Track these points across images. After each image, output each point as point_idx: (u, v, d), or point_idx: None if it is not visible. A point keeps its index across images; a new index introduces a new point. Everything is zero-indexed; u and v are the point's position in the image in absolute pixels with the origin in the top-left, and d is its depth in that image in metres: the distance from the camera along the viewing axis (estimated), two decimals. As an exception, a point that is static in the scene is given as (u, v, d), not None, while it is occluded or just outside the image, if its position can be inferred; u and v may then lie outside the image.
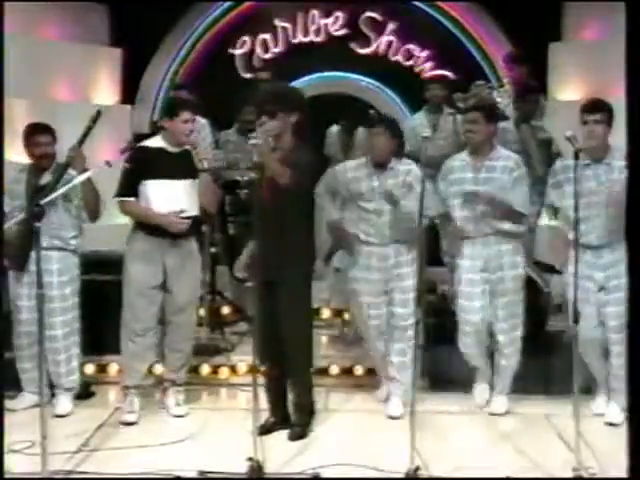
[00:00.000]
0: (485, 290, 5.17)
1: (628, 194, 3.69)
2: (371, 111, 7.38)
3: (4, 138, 4.95)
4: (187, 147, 5.15)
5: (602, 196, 4.81)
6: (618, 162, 4.84)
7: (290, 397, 4.96)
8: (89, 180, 4.92)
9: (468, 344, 5.27)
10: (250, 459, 4.13)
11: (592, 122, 4.79)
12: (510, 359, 5.25)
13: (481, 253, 5.16)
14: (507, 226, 5.14)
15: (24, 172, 5.29)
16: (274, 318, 4.74)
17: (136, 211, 5.13)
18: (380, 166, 5.17)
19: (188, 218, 5.07)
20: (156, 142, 5.16)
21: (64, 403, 5.26)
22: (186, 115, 5.09)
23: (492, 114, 5.34)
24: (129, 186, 5.08)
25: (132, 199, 5.09)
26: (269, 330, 4.73)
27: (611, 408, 5.06)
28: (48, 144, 5.20)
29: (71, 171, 5.06)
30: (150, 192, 5.05)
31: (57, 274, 5.16)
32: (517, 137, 6.32)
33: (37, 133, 5.21)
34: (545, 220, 5.83)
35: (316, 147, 6.67)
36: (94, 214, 5.23)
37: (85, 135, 5.03)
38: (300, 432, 4.83)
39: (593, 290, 4.92)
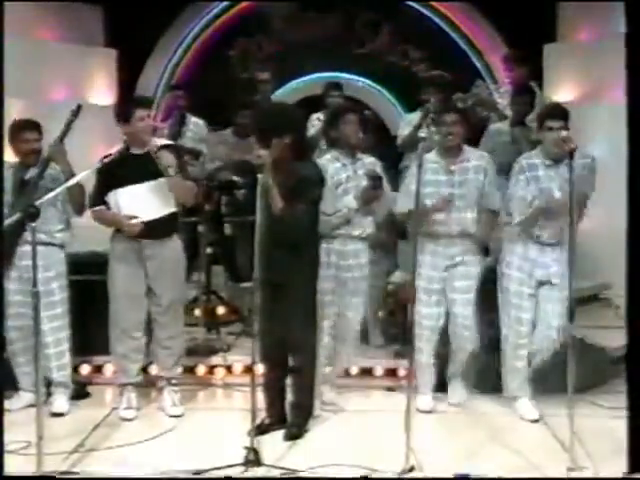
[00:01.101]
0: (443, 288, 5.25)
1: (628, 194, 3.69)
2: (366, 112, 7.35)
3: (4, 138, 4.96)
4: (155, 144, 5.14)
5: (562, 194, 4.87)
6: (577, 161, 4.85)
7: (289, 397, 4.97)
8: (72, 173, 4.92)
9: (423, 339, 5.28)
10: (247, 448, 4.16)
11: (560, 128, 4.85)
12: (468, 350, 5.34)
13: (445, 252, 5.21)
14: (473, 229, 5.21)
15: (11, 169, 5.27)
16: (278, 319, 4.76)
17: (103, 217, 5.17)
18: (351, 156, 5.20)
19: (159, 219, 5.07)
20: (120, 147, 5.16)
21: (60, 402, 5.26)
22: (140, 113, 5.07)
23: (467, 116, 5.41)
24: (97, 196, 5.13)
25: (100, 207, 5.14)
26: (272, 331, 4.76)
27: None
28: (35, 141, 5.20)
29: (55, 166, 5.09)
30: (119, 198, 5.08)
31: (42, 270, 5.00)
32: (511, 138, 6.35)
33: (25, 130, 5.20)
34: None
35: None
36: (79, 207, 5.22)
37: (66, 130, 5.02)
38: (296, 432, 4.83)
39: (531, 285, 5.08)
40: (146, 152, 5.10)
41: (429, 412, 5.28)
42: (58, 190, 4.54)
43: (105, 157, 4.89)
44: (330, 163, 5.19)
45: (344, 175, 5.16)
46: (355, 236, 5.17)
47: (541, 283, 5.11)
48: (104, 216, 5.17)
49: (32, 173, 5.16)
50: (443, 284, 5.25)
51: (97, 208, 5.16)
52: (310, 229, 4.81)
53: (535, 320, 5.14)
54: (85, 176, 4.58)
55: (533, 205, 5.01)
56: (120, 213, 5.08)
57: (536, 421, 5.10)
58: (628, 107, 3.73)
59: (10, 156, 5.36)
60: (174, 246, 5.26)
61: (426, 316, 5.25)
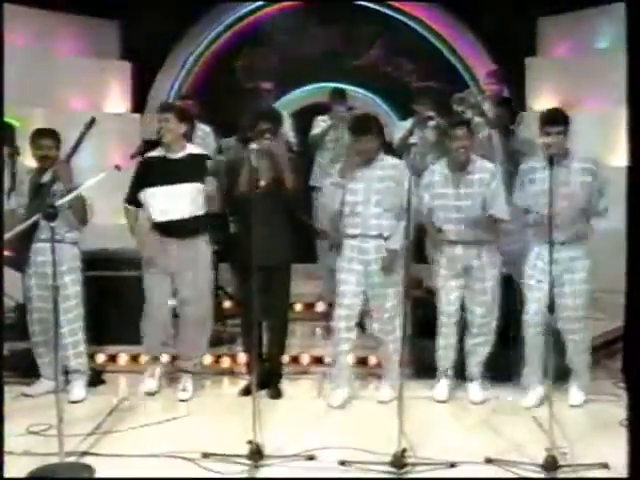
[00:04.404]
0: (460, 286, 5.23)
1: (628, 194, 3.68)
2: None
3: (4, 137, 4.96)
4: (189, 152, 5.27)
5: (555, 196, 4.76)
6: (575, 165, 4.93)
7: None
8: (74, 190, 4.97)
9: (444, 334, 5.32)
10: (250, 442, 4.19)
11: (555, 134, 4.86)
12: (483, 348, 5.31)
13: (462, 254, 5.18)
14: (486, 236, 5.19)
15: (30, 174, 5.34)
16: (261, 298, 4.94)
17: (129, 218, 5.35)
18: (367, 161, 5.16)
19: (185, 220, 5.14)
20: (158, 151, 5.29)
21: (78, 390, 5.30)
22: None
23: (472, 127, 5.40)
24: (132, 193, 5.27)
25: (131, 208, 5.31)
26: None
27: (573, 392, 5.16)
28: (50, 147, 5.22)
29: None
30: (150, 198, 5.17)
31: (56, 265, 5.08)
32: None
33: (40, 137, 5.25)
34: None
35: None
36: (82, 220, 5.24)
37: (78, 143, 5.05)
38: (275, 394, 5.29)
39: (546, 282, 4.89)
40: (181, 158, 5.22)
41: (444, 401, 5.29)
42: (75, 192, 4.58)
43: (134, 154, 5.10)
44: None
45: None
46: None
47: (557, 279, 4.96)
48: (130, 218, 5.33)
49: (47, 177, 5.20)
50: (459, 283, 5.23)
51: (130, 207, 5.31)
52: (291, 216, 5.17)
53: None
54: (97, 181, 4.52)
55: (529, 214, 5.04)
56: (152, 210, 5.17)
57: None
58: (628, 110, 3.69)
59: (31, 162, 5.43)
60: (199, 245, 5.29)
61: (444, 313, 5.27)
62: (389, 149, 6.79)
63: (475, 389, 5.33)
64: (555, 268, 4.74)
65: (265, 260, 4.78)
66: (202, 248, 5.32)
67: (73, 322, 5.28)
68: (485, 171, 5.19)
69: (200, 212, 5.22)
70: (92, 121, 5.04)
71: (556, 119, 4.93)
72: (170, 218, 5.14)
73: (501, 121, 6.54)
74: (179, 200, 5.13)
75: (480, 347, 5.32)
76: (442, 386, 5.35)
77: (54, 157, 5.23)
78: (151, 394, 5.31)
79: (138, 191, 5.22)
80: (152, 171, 5.16)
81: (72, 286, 5.27)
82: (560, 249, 4.85)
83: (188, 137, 7.03)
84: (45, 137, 5.25)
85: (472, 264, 5.19)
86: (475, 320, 5.26)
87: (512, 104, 6.67)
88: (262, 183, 5.10)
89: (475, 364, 5.36)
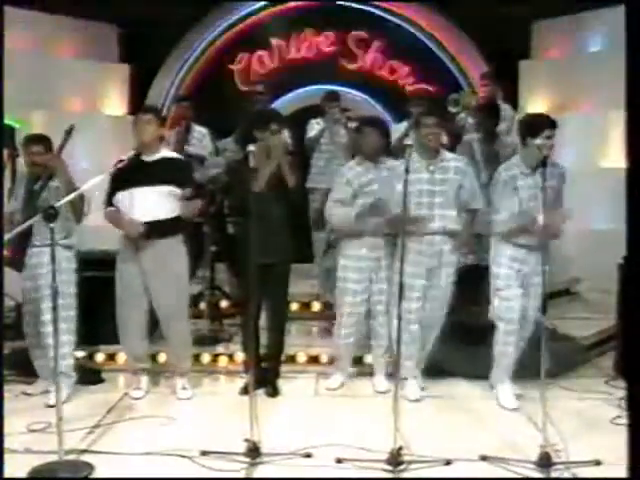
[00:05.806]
0: (424, 284, 5.21)
1: (627, 195, 3.69)
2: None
3: (4, 140, 4.92)
4: (164, 155, 5.20)
5: (538, 202, 4.74)
6: (551, 170, 4.87)
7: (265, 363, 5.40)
8: (72, 183, 4.97)
9: (407, 332, 5.21)
10: (247, 440, 4.19)
11: (552, 137, 4.87)
12: (429, 344, 5.38)
13: (426, 250, 5.15)
14: (453, 226, 5.18)
15: (23, 180, 5.28)
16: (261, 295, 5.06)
17: (111, 217, 5.17)
18: (374, 161, 5.30)
19: (159, 221, 5.06)
20: (134, 153, 5.13)
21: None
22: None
23: (446, 122, 5.49)
24: (108, 197, 5.17)
25: (110, 208, 5.17)
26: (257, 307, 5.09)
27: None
28: (39, 153, 5.14)
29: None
30: (122, 199, 5.10)
31: (47, 266, 4.90)
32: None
33: (30, 143, 5.18)
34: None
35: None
36: (79, 215, 5.17)
37: (63, 145, 5.04)
38: (272, 392, 5.30)
39: (518, 285, 4.98)
40: (156, 160, 5.14)
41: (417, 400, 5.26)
42: (67, 199, 4.53)
43: (119, 162, 4.89)
44: (354, 167, 5.32)
45: (365, 179, 5.28)
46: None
47: (525, 279, 5.05)
48: (112, 216, 5.17)
49: (38, 185, 5.15)
50: (425, 282, 5.20)
51: (108, 209, 5.18)
52: (291, 215, 5.25)
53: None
54: (98, 182, 4.50)
55: (517, 221, 4.98)
56: (127, 212, 5.08)
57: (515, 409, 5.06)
58: (628, 112, 3.68)
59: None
60: (171, 246, 5.19)
61: (407, 311, 5.14)
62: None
63: (413, 387, 5.33)
64: (525, 270, 4.97)
65: (264, 258, 4.82)
66: (175, 249, 5.22)
67: (60, 323, 5.20)
68: (459, 161, 5.29)
69: (172, 215, 5.12)
70: (71, 129, 5.01)
71: (554, 123, 4.94)
72: (146, 219, 5.05)
73: (483, 126, 6.54)
74: (150, 202, 5.05)
75: (428, 343, 5.37)
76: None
77: (43, 164, 5.15)
78: (137, 399, 5.30)
79: (114, 194, 5.14)
80: (126, 173, 4.93)
81: (62, 286, 5.18)
82: (529, 251, 4.96)
83: (184, 139, 7.09)
84: (35, 143, 5.16)
85: (441, 261, 5.17)
86: (434, 314, 5.27)
87: (498, 109, 6.64)
88: (262, 183, 5.09)
89: (420, 362, 5.41)
